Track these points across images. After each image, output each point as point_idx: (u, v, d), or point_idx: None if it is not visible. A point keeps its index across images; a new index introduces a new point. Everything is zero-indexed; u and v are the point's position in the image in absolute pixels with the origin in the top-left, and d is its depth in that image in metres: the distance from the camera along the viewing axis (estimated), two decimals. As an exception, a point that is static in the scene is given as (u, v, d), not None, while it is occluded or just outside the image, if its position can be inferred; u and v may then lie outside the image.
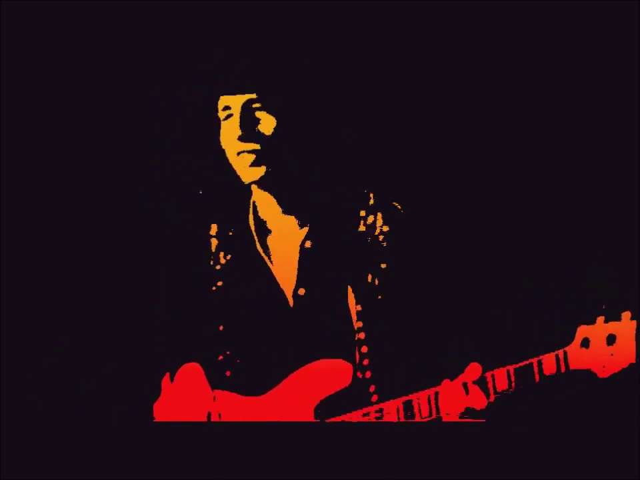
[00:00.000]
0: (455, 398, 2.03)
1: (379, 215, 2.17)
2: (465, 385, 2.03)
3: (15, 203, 2.41)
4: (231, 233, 2.24)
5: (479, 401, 2.02)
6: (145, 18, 2.37)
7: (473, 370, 2.03)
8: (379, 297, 2.12)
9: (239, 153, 2.15)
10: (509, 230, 2.18)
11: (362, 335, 2.12)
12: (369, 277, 2.13)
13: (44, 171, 2.41)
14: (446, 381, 2.05)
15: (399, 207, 2.19)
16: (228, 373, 2.18)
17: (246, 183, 2.17)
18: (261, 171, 2.14)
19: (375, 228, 2.16)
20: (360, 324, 2.12)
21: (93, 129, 2.41)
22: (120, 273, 2.35)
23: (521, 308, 2.13)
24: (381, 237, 2.16)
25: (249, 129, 2.13)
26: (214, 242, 2.25)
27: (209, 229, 2.26)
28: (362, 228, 2.17)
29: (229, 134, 2.16)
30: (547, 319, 2.08)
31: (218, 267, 2.23)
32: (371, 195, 2.19)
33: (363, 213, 2.17)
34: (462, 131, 2.24)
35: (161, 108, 2.38)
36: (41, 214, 2.41)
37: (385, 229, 2.16)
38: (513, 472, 2.02)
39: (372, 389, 2.11)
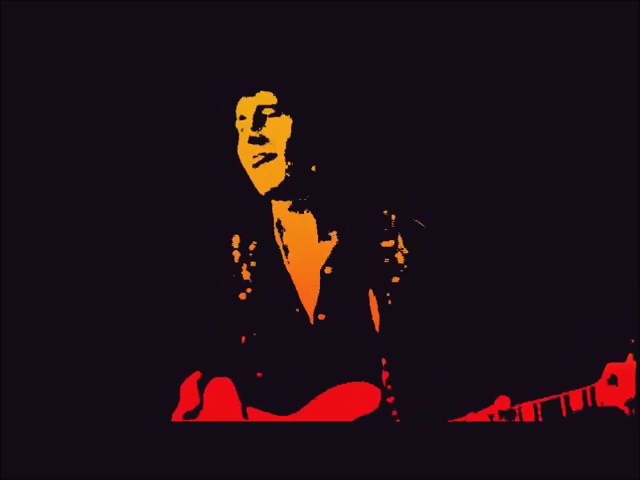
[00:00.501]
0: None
1: (399, 238, 2.17)
2: (490, 417, 2.04)
3: (36, 208, 2.43)
4: (252, 247, 2.24)
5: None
6: (162, 27, 2.38)
7: (502, 402, 2.04)
8: (401, 321, 2.13)
9: (255, 165, 2.14)
10: (539, 262, 2.18)
11: (385, 361, 2.13)
12: (389, 299, 2.14)
13: (76, 186, 2.42)
14: (471, 414, 2.06)
15: (421, 223, 2.18)
16: (252, 389, 2.19)
17: (262, 193, 2.16)
18: (277, 180, 2.14)
19: (396, 250, 2.16)
20: (383, 347, 2.13)
21: (112, 140, 2.44)
22: (142, 285, 2.38)
23: (551, 343, 2.13)
24: (401, 260, 2.16)
25: (261, 134, 2.13)
26: (236, 254, 2.26)
27: (231, 241, 2.26)
28: (384, 250, 2.16)
29: (244, 145, 2.16)
30: (575, 355, 2.08)
31: (240, 279, 2.23)
32: (392, 217, 2.19)
33: (384, 234, 2.17)
34: (482, 150, 2.24)
35: (185, 121, 2.40)
36: (70, 228, 2.44)
37: (406, 251, 2.16)
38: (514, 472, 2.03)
39: (394, 412, 2.13)
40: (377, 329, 2.15)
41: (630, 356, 1.97)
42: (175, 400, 2.21)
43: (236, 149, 2.19)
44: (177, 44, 2.39)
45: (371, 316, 2.15)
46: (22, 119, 2.42)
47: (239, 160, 2.19)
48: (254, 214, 2.25)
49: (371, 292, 2.15)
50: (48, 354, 2.40)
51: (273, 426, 2.12)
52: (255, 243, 2.25)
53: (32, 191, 2.43)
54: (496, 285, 2.18)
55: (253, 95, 2.15)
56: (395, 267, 2.16)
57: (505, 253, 2.21)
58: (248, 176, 2.18)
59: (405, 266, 2.16)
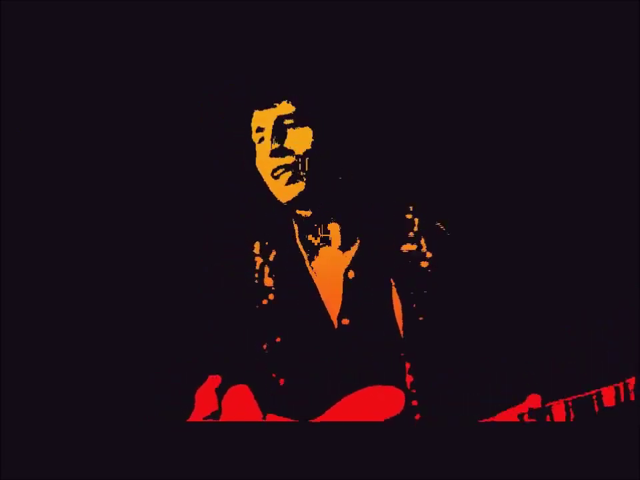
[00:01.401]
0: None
1: (423, 241, 2.17)
2: (521, 417, 2.02)
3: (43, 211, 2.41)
4: (274, 254, 2.24)
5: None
6: (175, 35, 2.38)
7: (533, 400, 2.02)
8: (426, 324, 2.12)
9: (275, 176, 2.14)
10: (566, 259, 2.19)
11: (409, 365, 2.12)
12: (413, 303, 2.13)
13: (81, 190, 2.42)
14: (501, 413, 2.04)
15: (443, 227, 2.19)
16: (273, 395, 2.17)
17: (284, 202, 2.16)
18: (298, 188, 2.14)
19: (420, 253, 2.16)
20: (405, 351, 2.12)
21: (130, 146, 2.43)
22: (163, 291, 2.36)
23: (583, 340, 2.13)
24: (425, 264, 2.16)
25: (282, 146, 2.13)
26: (258, 260, 2.26)
27: (253, 247, 2.26)
28: (407, 254, 2.16)
29: (263, 155, 2.16)
30: (607, 351, 2.08)
31: (263, 286, 2.22)
32: (416, 221, 2.20)
33: (407, 241, 2.18)
34: (501, 156, 2.26)
35: (206, 127, 2.39)
36: (78, 231, 2.42)
37: (429, 254, 2.16)
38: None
39: (417, 416, 2.11)
40: (400, 332, 2.14)
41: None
42: (192, 405, 2.19)
43: (254, 158, 2.20)
44: (190, 50, 2.39)
45: (395, 320, 2.14)
46: (22, 119, 2.40)
47: (258, 169, 2.20)
48: (275, 221, 2.25)
49: (394, 295, 2.15)
50: (48, 354, 2.37)
51: (292, 428, 2.10)
52: (276, 250, 2.24)
53: (39, 192, 2.42)
54: (521, 284, 2.17)
55: (269, 107, 2.16)
56: (418, 271, 2.16)
57: (528, 252, 2.22)
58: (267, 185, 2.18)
59: (429, 270, 2.15)
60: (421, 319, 2.13)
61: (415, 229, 2.19)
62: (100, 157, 2.43)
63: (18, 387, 2.31)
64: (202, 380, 2.19)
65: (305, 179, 2.14)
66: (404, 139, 2.32)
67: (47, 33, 2.39)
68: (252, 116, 2.20)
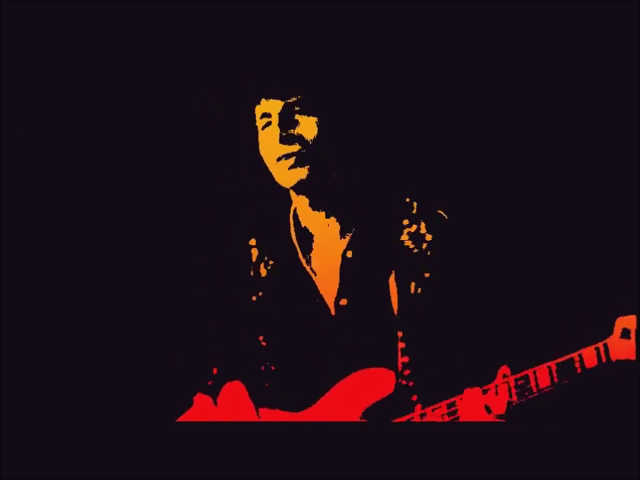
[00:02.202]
0: (497, 397, 2.03)
1: (422, 224, 2.18)
2: (508, 388, 2.02)
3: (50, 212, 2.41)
4: (269, 246, 2.24)
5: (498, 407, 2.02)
6: (180, 26, 2.37)
7: (504, 372, 2.03)
8: (421, 305, 2.12)
9: (279, 159, 2.14)
10: (541, 228, 2.20)
11: (403, 345, 2.12)
12: (412, 286, 2.13)
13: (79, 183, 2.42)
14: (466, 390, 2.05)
15: (443, 214, 2.20)
16: (268, 385, 2.17)
17: (286, 187, 2.16)
18: (301, 173, 2.14)
19: (419, 236, 2.16)
20: (401, 333, 2.12)
21: (126, 137, 2.42)
22: (158, 284, 2.36)
23: (558, 304, 2.13)
24: (424, 245, 2.16)
25: (288, 132, 2.13)
26: (254, 252, 2.26)
27: (249, 239, 2.27)
28: (405, 237, 2.17)
29: (268, 140, 2.16)
30: (584, 313, 2.08)
31: (258, 278, 2.23)
32: (414, 204, 2.20)
33: (406, 222, 2.18)
34: (505, 141, 2.27)
35: (199, 118, 2.39)
36: (66, 224, 2.41)
37: (429, 237, 2.16)
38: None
39: (414, 398, 2.11)
40: (395, 313, 2.14)
41: (639, 309, 1.98)
42: (188, 401, 2.20)
43: (251, 146, 2.20)
44: (190, 45, 2.39)
45: (390, 302, 2.14)
46: (22, 119, 2.41)
47: (255, 158, 2.20)
48: (271, 210, 2.26)
49: (392, 278, 2.15)
50: (47, 354, 2.37)
51: (285, 424, 2.11)
52: (272, 241, 2.25)
53: (39, 192, 2.42)
54: (502, 253, 2.18)
55: (277, 97, 2.15)
56: (417, 253, 2.16)
57: (520, 237, 2.24)
58: (264, 174, 2.18)
59: (428, 252, 2.15)
60: (417, 301, 2.13)
61: (414, 211, 2.19)
62: (96, 153, 2.44)
63: (17, 387, 2.31)
64: (197, 374, 2.21)
65: (308, 165, 2.13)
66: (405, 128, 2.33)
67: (47, 33, 2.39)
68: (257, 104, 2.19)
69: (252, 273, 2.23)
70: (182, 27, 2.37)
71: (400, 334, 2.12)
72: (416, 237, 2.16)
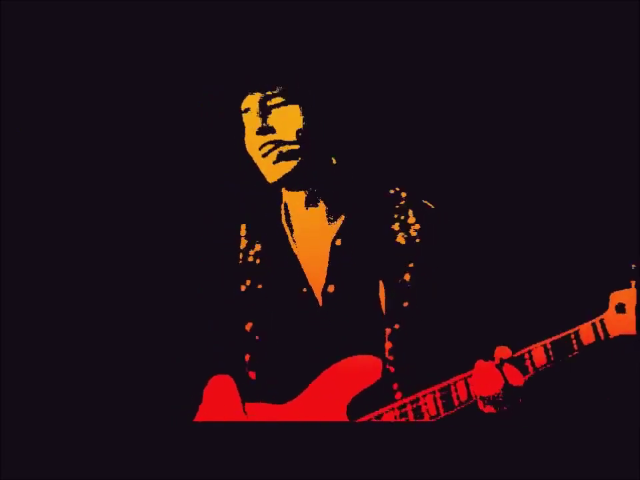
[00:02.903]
0: (491, 379, 1.99)
1: (410, 213, 2.13)
2: (499, 365, 1.99)
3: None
4: (259, 235, 2.18)
5: (515, 378, 1.98)
6: (179, 26, 2.36)
7: (502, 352, 1.99)
8: (409, 294, 2.08)
9: (264, 155, 2.09)
10: (530, 208, 2.20)
11: (390, 330, 2.08)
12: (400, 276, 2.09)
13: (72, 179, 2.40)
14: (479, 362, 2.01)
15: (430, 204, 2.15)
16: (253, 375, 2.11)
17: (271, 182, 2.11)
18: (286, 167, 2.08)
19: (406, 226, 2.12)
20: (389, 321, 2.08)
21: (117, 130, 2.41)
22: (147, 275, 2.34)
23: (552, 282, 2.13)
24: (413, 233, 2.11)
25: (268, 124, 2.08)
26: (243, 241, 2.19)
27: (239, 228, 2.21)
28: (394, 226, 2.12)
29: (251, 133, 2.11)
30: (579, 290, 2.08)
31: (247, 267, 2.16)
32: (403, 194, 2.15)
33: (395, 212, 2.13)
34: (493, 131, 2.27)
35: (187, 111, 2.38)
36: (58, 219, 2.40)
37: (417, 227, 2.12)
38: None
39: (396, 386, 2.07)
40: (383, 306, 2.09)
41: (633, 282, 1.97)
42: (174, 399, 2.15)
43: (239, 140, 2.15)
44: (177, 40, 2.38)
45: (379, 293, 2.10)
46: (22, 119, 2.39)
47: (244, 151, 2.15)
48: (261, 202, 2.22)
49: (380, 268, 2.11)
50: (46, 354, 2.35)
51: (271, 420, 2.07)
52: (262, 230, 2.19)
53: (34, 191, 2.40)
54: (492, 237, 2.18)
55: (257, 90, 2.10)
56: (405, 244, 2.11)
57: (510, 218, 2.25)
58: (253, 166, 2.14)
59: (417, 240, 2.11)
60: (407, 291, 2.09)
61: (402, 202, 2.15)
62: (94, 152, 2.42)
63: (20, 387, 2.30)
64: (186, 367, 2.17)
65: (294, 158, 2.08)
66: (394, 119, 2.32)
67: (47, 33, 2.37)
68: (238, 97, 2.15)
69: (240, 261, 2.16)
70: (182, 27, 2.36)
71: (388, 330, 2.08)
72: (404, 226, 2.12)
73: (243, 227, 2.22)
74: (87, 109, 2.40)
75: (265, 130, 2.08)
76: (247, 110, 2.13)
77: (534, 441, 1.97)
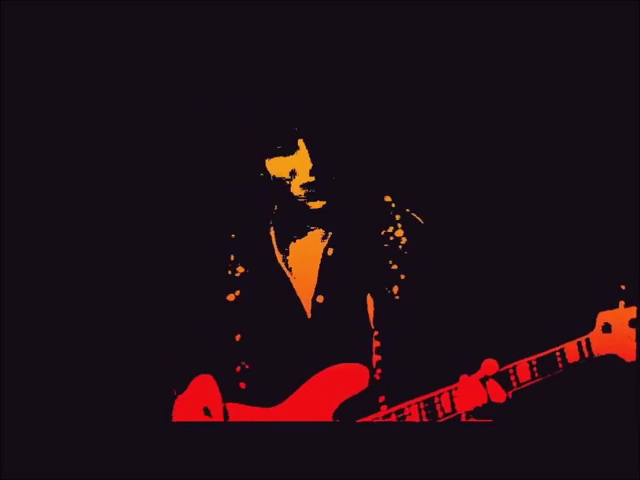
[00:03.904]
0: (474, 393, 2.00)
1: (400, 225, 2.13)
2: (483, 380, 1.99)
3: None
4: (246, 245, 2.18)
5: (498, 395, 1.98)
6: (179, 26, 2.36)
7: (489, 365, 2.00)
8: (397, 304, 2.08)
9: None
10: (519, 223, 2.19)
11: (378, 343, 2.08)
12: (388, 287, 2.09)
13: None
14: (463, 377, 2.01)
15: (419, 218, 2.16)
16: (243, 385, 2.12)
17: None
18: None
19: (396, 239, 2.12)
20: (376, 333, 2.08)
21: (121, 139, 2.42)
22: (137, 282, 2.32)
23: (539, 299, 2.12)
24: (401, 247, 2.12)
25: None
26: (231, 256, 2.20)
27: (228, 239, 2.21)
28: (385, 238, 2.13)
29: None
30: (566, 308, 2.08)
31: (235, 277, 2.17)
32: (393, 205, 2.16)
33: (385, 226, 2.14)
34: (482, 145, 2.27)
35: (177, 118, 2.39)
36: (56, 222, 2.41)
37: (405, 240, 2.12)
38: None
39: (382, 399, 2.08)
40: (371, 318, 2.10)
41: (621, 303, 1.96)
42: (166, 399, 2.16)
43: (229, 148, 2.16)
44: (177, 40, 2.38)
45: (366, 301, 2.11)
46: (22, 119, 2.39)
47: (234, 160, 2.16)
48: (252, 210, 2.22)
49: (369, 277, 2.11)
50: (47, 355, 2.37)
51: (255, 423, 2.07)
52: (249, 240, 2.19)
53: (38, 191, 2.41)
54: (481, 247, 2.18)
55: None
56: (394, 256, 2.12)
57: (499, 232, 2.25)
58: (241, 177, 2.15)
59: (405, 252, 2.12)
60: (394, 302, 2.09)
61: (393, 214, 2.16)
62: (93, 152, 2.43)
63: (17, 387, 2.31)
64: (172, 373, 2.17)
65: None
66: (385, 132, 2.31)
67: (47, 33, 2.37)
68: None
69: (229, 272, 2.17)
70: (181, 27, 2.36)
71: (376, 333, 2.08)
72: (394, 239, 2.12)
73: (232, 236, 2.22)
74: (87, 109, 2.41)
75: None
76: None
77: (533, 441, 1.98)
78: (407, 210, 2.16)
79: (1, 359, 2.29)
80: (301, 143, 2.06)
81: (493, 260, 2.21)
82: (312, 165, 2.07)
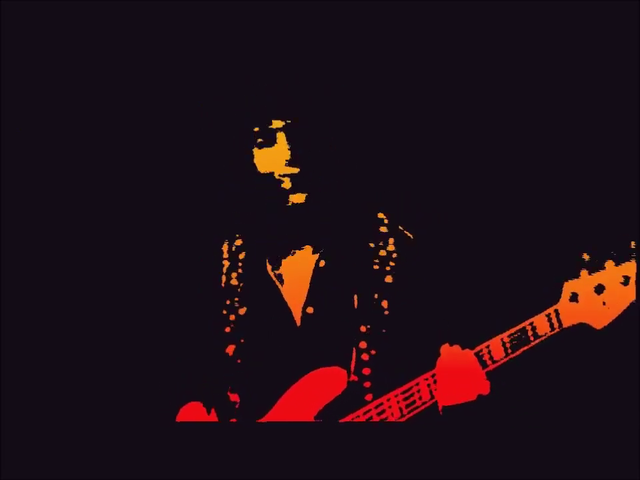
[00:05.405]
0: (452, 378, 2.01)
1: (390, 240, 2.15)
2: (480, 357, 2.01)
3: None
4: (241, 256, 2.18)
5: (476, 375, 2.00)
6: (179, 26, 2.36)
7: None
8: (386, 319, 2.10)
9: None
10: (481, 194, 2.22)
11: (363, 344, 2.09)
12: (378, 301, 2.11)
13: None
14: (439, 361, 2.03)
15: (409, 234, 2.17)
16: (237, 398, 2.12)
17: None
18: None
19: (387, 253, 2.14)
20: (364, 344, 2.09)
21: (120, 141, 2.43)
22: (128, 292, 2.36)
23: (504, 275, 2.14)
24: (391, 263, 2.13)
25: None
26: (225, 263, 2.20)
27: (221, 250, 2.21)
28: (375, 252, 2.14)
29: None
30: (531, 282, 2.10)
31: (228, 288, 2.17)
32: (385, 221, 2.17)
33: (374, 240, 2.15)
34: (475, 158, 2.32)
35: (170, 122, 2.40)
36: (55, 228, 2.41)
37: (395, 255, 2.14)
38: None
39: (367, 384, 2.09)
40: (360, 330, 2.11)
41: (584, 272, 1.99)
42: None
43: (223, 155, 2.16)
44: (177, 40, 2.38)
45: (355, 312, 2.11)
46: (22, 119, 2.39)
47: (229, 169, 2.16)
48: (245, 219, 2.21)
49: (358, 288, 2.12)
50: (47, 355, 2.38)
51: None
52: (244, 251, 2.19)
53: (38, 191, 2.42)
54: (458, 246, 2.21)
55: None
56: (385, 266, 2.13)
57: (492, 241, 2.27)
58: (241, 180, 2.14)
59: (394, 263, 2.13)
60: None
61: (385, 229, 2.17)
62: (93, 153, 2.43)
63: (17, 387, 2.32)
64: (164, 384, 2.17)
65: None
66: (378, 145, 2.32)
67: (47, 33, 2.37)
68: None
69: (223, 284, 2.17)
70: (181, 27, 2.36)
71: (365, 356, 2.09)
72: (385, 252, 2.14)
73: (225, 247, 2.22)
74: (87, 109, 2.41)
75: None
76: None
77: (532, 441, 2.00)
78: (400, 227, 2.18)
79: (2, 359, 2.29)
80: (280, 135, 2.08)
81: (460, 239, 2.22)
82: (290, 156, 2.08)
